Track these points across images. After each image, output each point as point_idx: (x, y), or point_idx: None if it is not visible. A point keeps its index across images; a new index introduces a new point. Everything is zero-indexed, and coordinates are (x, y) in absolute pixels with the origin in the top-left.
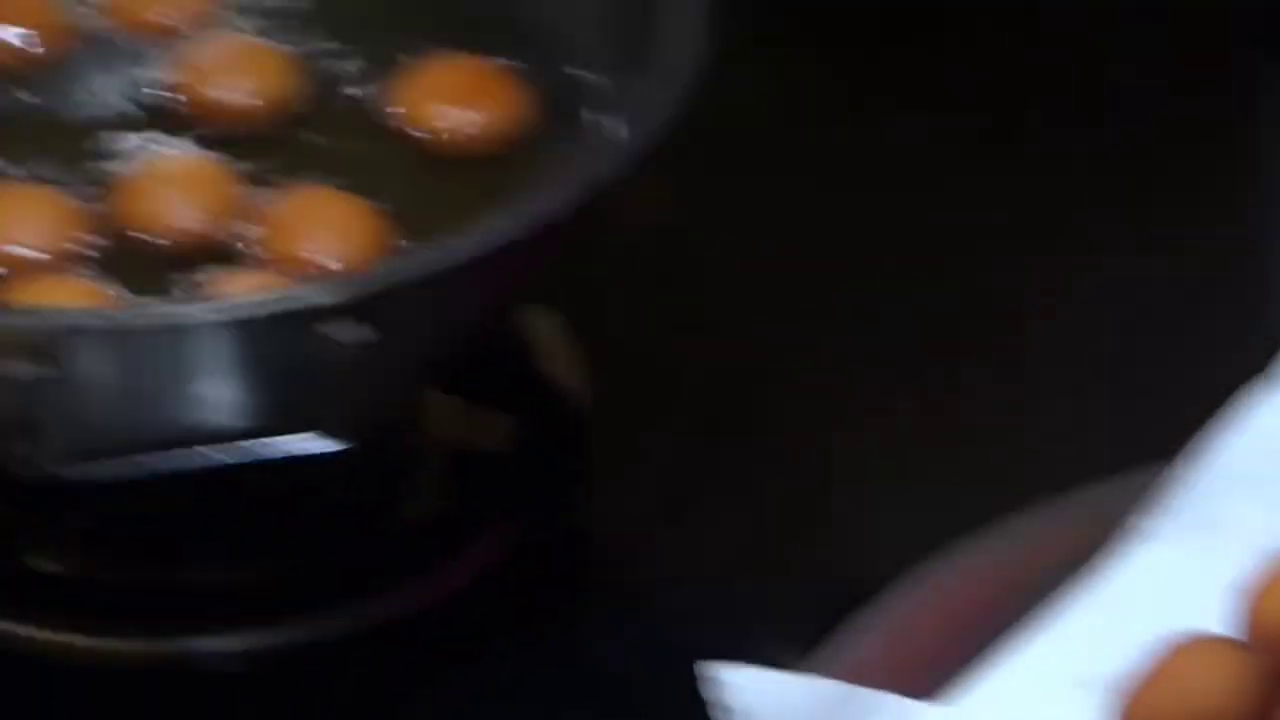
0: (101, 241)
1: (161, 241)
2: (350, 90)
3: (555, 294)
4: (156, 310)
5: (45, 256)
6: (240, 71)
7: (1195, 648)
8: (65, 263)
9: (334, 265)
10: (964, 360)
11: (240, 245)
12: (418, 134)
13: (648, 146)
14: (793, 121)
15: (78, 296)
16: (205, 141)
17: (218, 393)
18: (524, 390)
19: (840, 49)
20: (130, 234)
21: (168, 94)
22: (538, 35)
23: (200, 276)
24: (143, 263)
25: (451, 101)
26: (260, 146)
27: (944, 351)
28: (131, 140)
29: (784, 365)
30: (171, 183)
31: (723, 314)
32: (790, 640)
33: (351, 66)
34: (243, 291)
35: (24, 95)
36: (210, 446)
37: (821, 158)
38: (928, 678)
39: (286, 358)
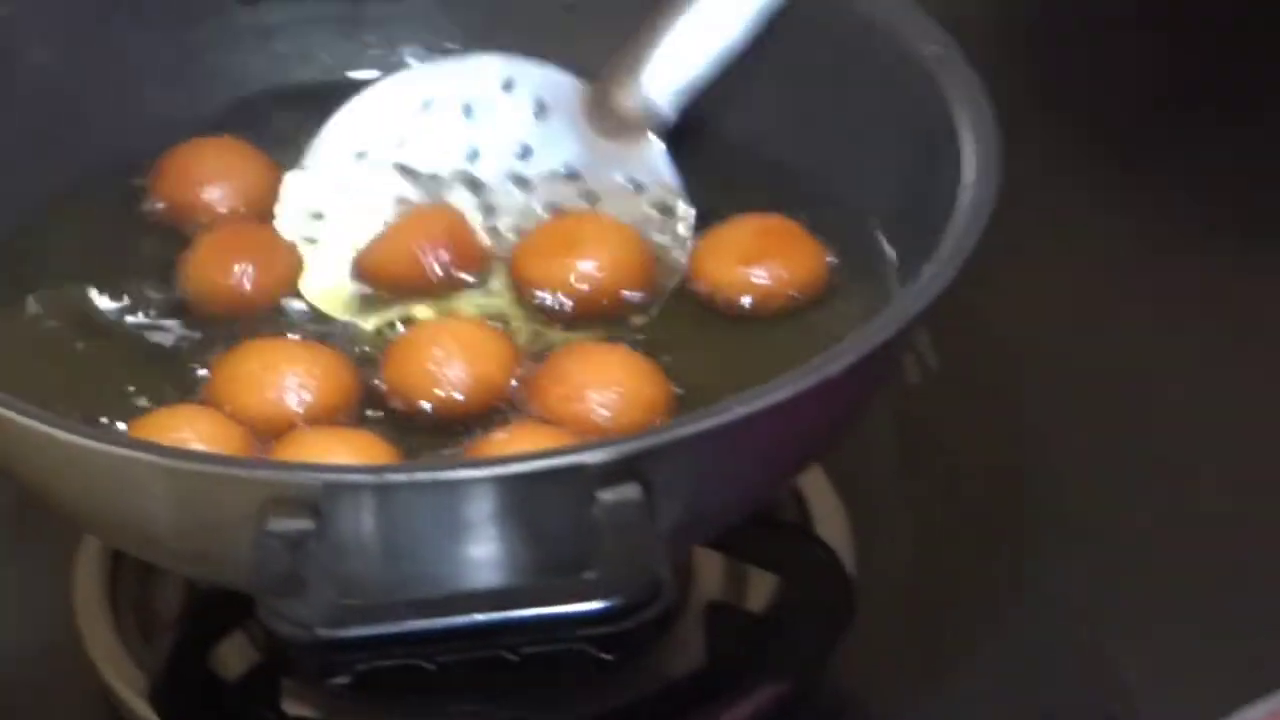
0: (378, 397)
1: (439, 396)
2: None
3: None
4: (426, 467)
5: (321, 411)
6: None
7: None
8: (339, 418)
9: (611, 423)
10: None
11: (516, 400)
12: (707, 289)
13: (934, 306)
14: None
15: (351, 451)
16: None
17: (484, 550)
18: (788, 547)
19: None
20: (405, 393)
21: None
22: (828, 190)
23: (475, 432)
24: (419, 420)
25: (744, 259)
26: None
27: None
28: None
29: (1055, 522)
30: (453, 343)
31: (993, 472)
32: None
33: None
34: (514, 448)
35: None
36: (474, 604)
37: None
38: None
39: (555, 516)
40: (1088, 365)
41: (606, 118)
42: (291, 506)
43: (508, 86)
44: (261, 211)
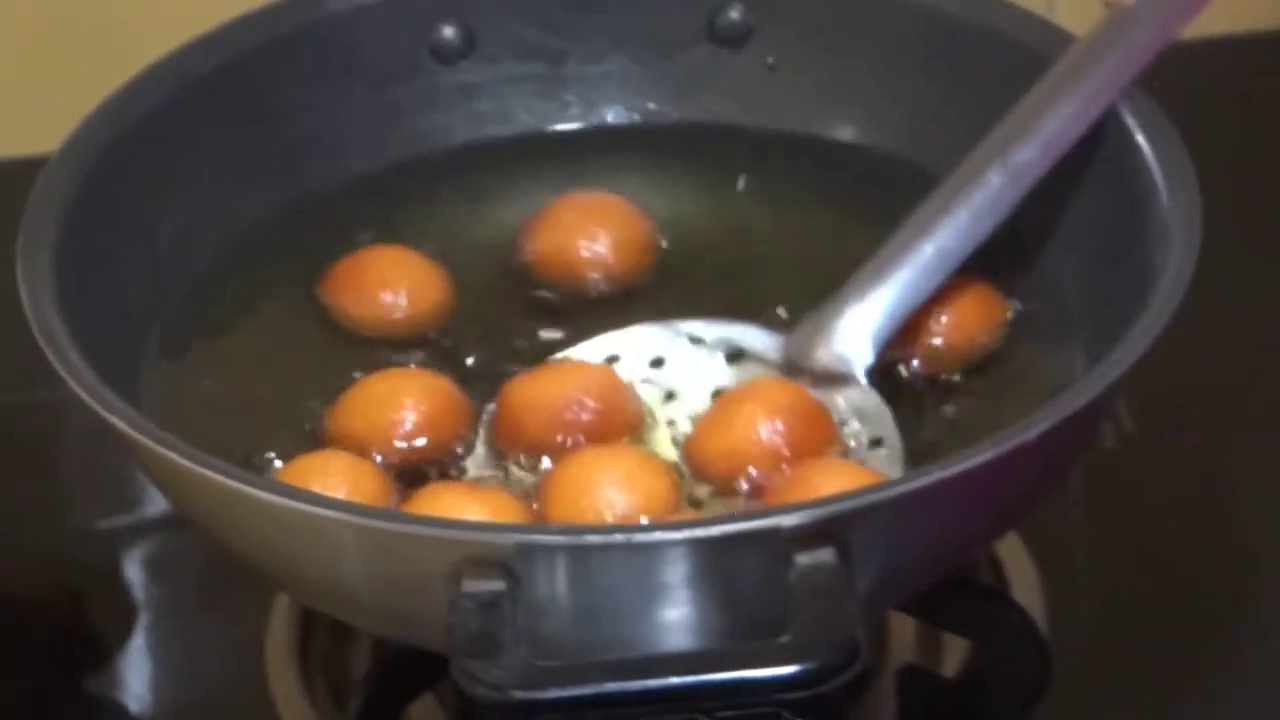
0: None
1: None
2: None
3: None
4: (621, 529)
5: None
6: None
7: None
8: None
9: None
10: None
11: None
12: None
13: (1135, 369)
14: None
15: (486, 509)
16: None
17: (678, 612)
18: (983, 612)
19: None
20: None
21: None
22: (1019, 242)
23: None
24: None
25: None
26: None
27: None
28: None
29: (1256, 589)
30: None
31: (1190, 538)
32: None
33: None
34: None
35: None
36: (670, 667)
37: None
38: None
39: (750, 578)
40: None
41: (805, 367)
42: (485, 567)
43: (697, 341)
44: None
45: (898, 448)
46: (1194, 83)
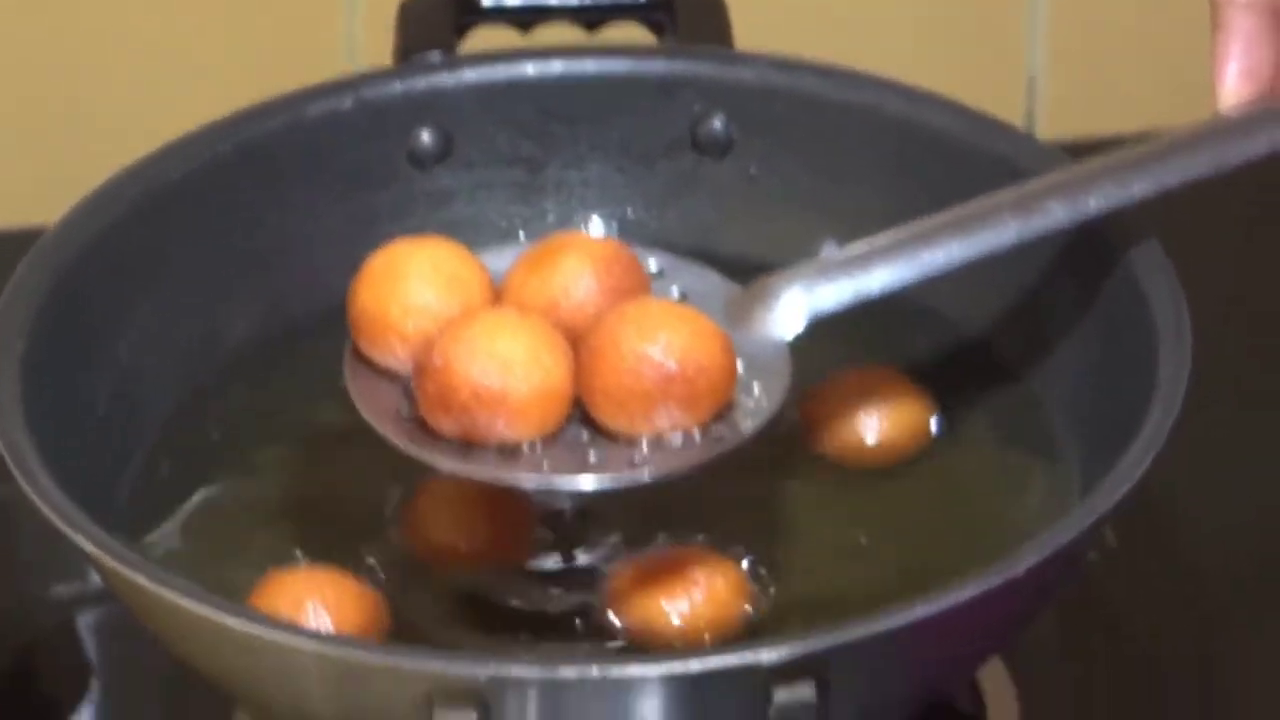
0: None
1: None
2: None
3: None
4: (596, 662)
5: None
6: None
7: None
8: None
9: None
10: None
11: None
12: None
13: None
14: None
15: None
16: None
17: None
18: None
19: None
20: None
21: None
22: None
23: None
24: None
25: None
26: None
27: None
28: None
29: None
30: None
31: (1174, 661)
32: None
33: None
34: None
35: None
36: None
37: None
38: None
39: (727, 713)
40: (1271, 548)
41: (741, 315)
42: (457, 698)
43: (659, 275)
44: None
45: (773, 404)
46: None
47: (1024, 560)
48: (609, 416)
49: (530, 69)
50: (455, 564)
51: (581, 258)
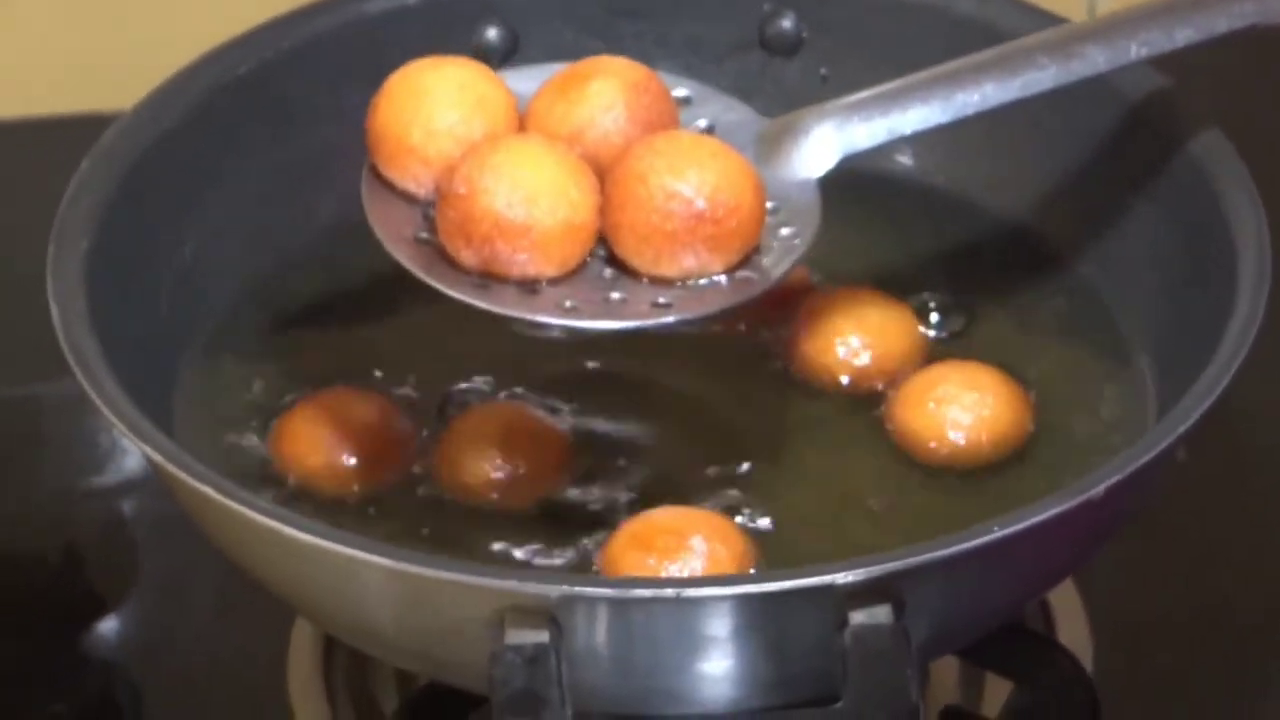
0: None
1: None
2: None
3: None
4: (669, 582)
5: None
6: None
7: None
8: None
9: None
10: None
11: None
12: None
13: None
14: None
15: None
16: None
17: (726, 667)
18: (1030, 655)
19: None
20: None
21: None
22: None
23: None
24: None
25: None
26: None
27: None
28: None
29: None
30: None
31: (1243, 581)
32: None
33: None
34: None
35: None
36: None
37: None
38: None
39: (802, 635)
40: None
41: (770, 150)
42: (529, 616)
43: (686, 102)
44: None
45: (803, 245)
46: None
47: (1102, 480)
48: (633, 254)
49: None
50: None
51: (611, 85)
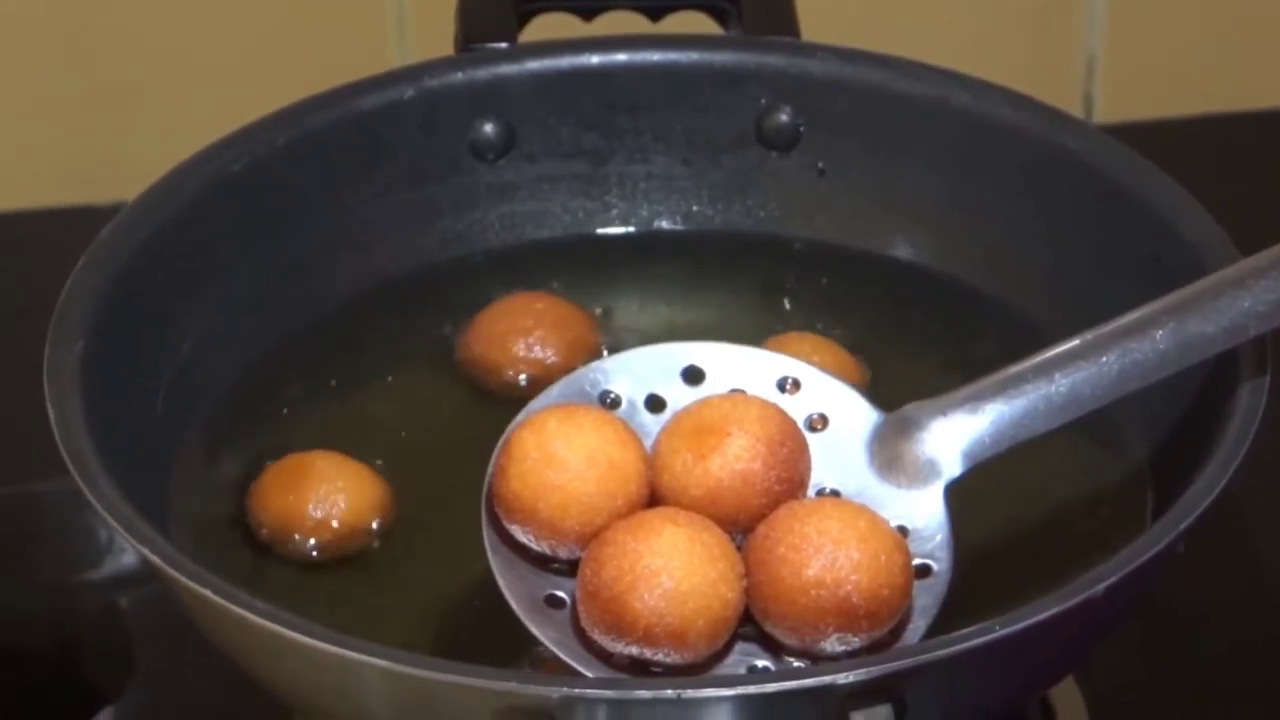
0: None
1: None
2: None
3: None
4: (669, 684)
5: None
6: None
7: None
8: None
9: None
10: None
11: None
12: None
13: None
14: None
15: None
16: None
17: None
18: None
19: None
20: None
21: None
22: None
23: None
24: None
25: None
26: None
27: None
28: None
29: None
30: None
31: (1246, 675)
32: None
33: None
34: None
35: None
36: None
37: None
38: None
39: None
40: None
41: (888, 453)
42: (528, 716)
43: (781, 386)
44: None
45: (944, 576)
46: None
47: (1103, 580)
48: (780, 634)
49: (594, 59)
50: None
51: (748, 444)
